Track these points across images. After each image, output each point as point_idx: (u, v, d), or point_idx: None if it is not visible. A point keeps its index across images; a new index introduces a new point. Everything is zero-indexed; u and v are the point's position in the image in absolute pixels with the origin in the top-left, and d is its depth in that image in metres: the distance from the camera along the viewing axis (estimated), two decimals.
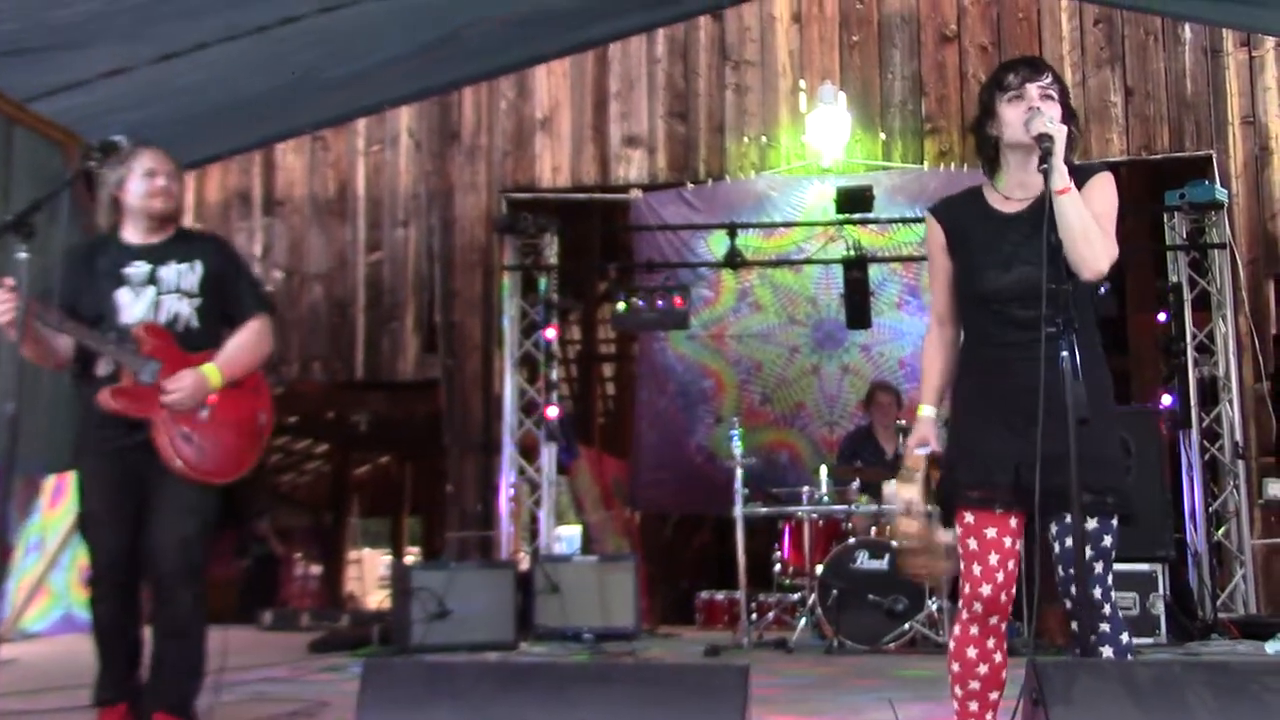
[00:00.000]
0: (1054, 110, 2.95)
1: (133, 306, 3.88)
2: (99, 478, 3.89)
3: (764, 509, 7.87)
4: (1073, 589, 2.79)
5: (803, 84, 9.41)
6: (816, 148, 9.25)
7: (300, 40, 7.59)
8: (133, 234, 3.97)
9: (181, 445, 3.79)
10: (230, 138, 9.45)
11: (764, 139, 9.44)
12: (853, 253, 8.95)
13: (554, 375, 9.55)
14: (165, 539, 3.76)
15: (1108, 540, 2.91)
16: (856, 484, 7.51)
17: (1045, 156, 2.84)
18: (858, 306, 8.82)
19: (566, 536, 12.18)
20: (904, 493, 3.15)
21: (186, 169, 9.52)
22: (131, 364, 3.79)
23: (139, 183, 3.92)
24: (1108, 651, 2.87)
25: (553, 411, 9.31)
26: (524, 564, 8.33)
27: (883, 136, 9.34)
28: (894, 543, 6.64)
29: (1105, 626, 2.88)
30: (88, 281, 3.91)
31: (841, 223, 9.00)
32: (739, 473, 7.55)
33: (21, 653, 6.87)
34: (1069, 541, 2.83)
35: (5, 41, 6.60)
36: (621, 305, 9.04)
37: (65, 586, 8.75)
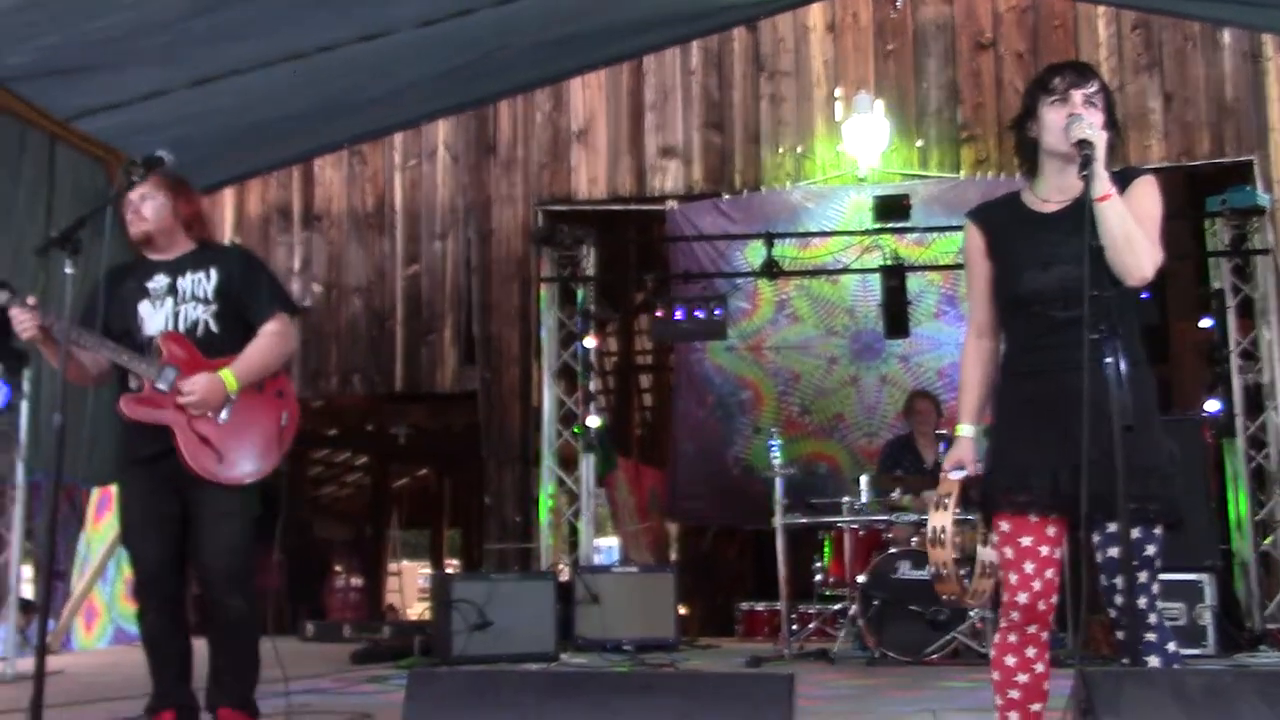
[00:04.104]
0: (1096, 117, 2.92)
1: (154, 317, 3.94)
2: (135, 488, 3.96)
3: (804, 519, 7.84)
4: (1117, 598, 2.75)
5: (838, 93, 9.39)
6: (852, 156, 9.23)
7: (338, 66, 7.68)
8: (155, 252, 4.04)
9: (199, 450, 3.81)
10: (269, 153, 9.55)
11: (799, 149, 9.42)
12: (890, 262, 8.92)
13: (592, 386, 9.56)
14: (207, 545, 3.82)
15: (1151, 549, 2.86)
16: (897, 493, 7.47)
17: (1085, 163, 2.80)
18: (896, 315, 8.79)
19: (606, 547, 12.17)
20: (934, 520, 3.10)
21: (225, 185, 9.78)
22: (148, 372, 3.84)
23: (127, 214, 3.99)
24: (1154, 661, 2.83)
25: (592, 421, 9.32)
26: (564, 575, 8.33)
27: (919, 144, 9.31)
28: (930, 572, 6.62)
29: (1151, 636, 2.84)
30: (117, 299, 3.98)
31: (878, 231, 8.97)
32: (779, 483, 7.53)
33: (69, 665, 6.94)
34: (1111, 550, 2.80)
35: (47, 61, 6.70)
36: (659, 316, 9.04)
37: (113, 599, 8.85)
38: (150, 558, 3.89)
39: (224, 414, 3.86)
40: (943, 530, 3.10)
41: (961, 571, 3.24)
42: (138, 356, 3.86)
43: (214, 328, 3.94)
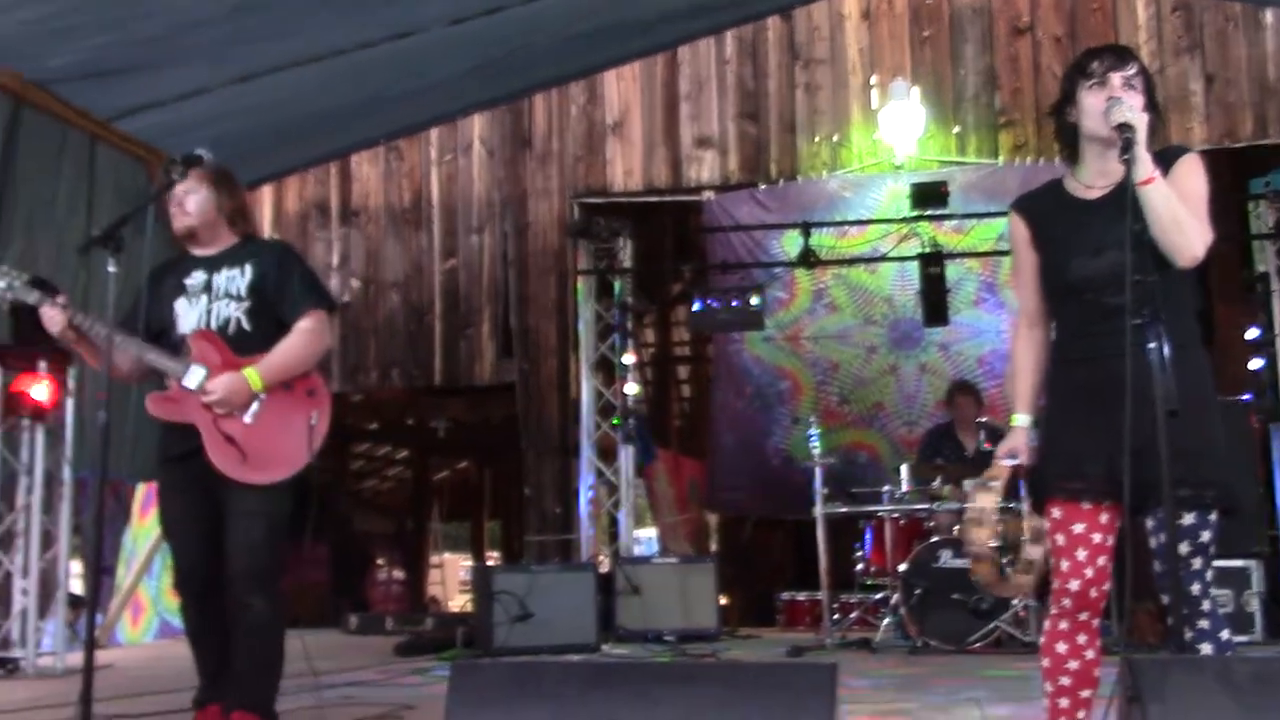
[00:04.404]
0: (1135, 100, 2.88)
1: (188, 315, 3.93)
2: (170, 485, 3.97)
3: (844, 509, 7.82)
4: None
5: (874, 80, 9.34)
6: (889, 144, 9.18)
7: (375, 62, 7.72)
8: (199, 246, 4.03)
9: (223, 449, 3.79)
10: (306, 150, 9.62)
11: (835, 138, 9.37)
12: (928, 250, 8.86)
13: (630, 378, 9.57)
14: (231, 544, 3.79)
15: (1206, 535, 2.82)
16: (938, 482, 7.43)
17: (1126, 147, 2.77)
18: (935, 303, 8.74)
19: (646, 538, 12.19)
20: (979, 500, 3.08)
21: (264, 182, 9.85)
22: (175, 370, 3.83)
23: (171, 209, 3.98)
24: (1207, 649, 2.79)
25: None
26: (604, 566, 8.35)
27: (956, 131, 9.24)
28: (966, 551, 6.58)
29: (1204, 624, 2.81)
30: (157, 296, 4.00)
31: (916, 219, 8.91)
32: (818, 473, 7.51)
33: (117, 658, 7.03)
34: (1164, 536, 2.77)
35: (87, 63, 6.78)
36: (696, 306, 9.04)
37: (158, 594, 8.96)
38: (187, 554, 3.90)
39: (250, 414, 3.82)
40: (985, 511, 3.07)
41: (1004, 560, 3.22)
42: (166, 355, 3.86)
43: (246, 325, 3.90)
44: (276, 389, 3.85)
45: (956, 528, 7.22)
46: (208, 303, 3.92)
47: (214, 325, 3.90)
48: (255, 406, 3.83)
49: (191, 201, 3.95)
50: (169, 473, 3.96)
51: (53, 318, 3.75)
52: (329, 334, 4.06)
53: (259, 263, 3.96)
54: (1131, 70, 2.93)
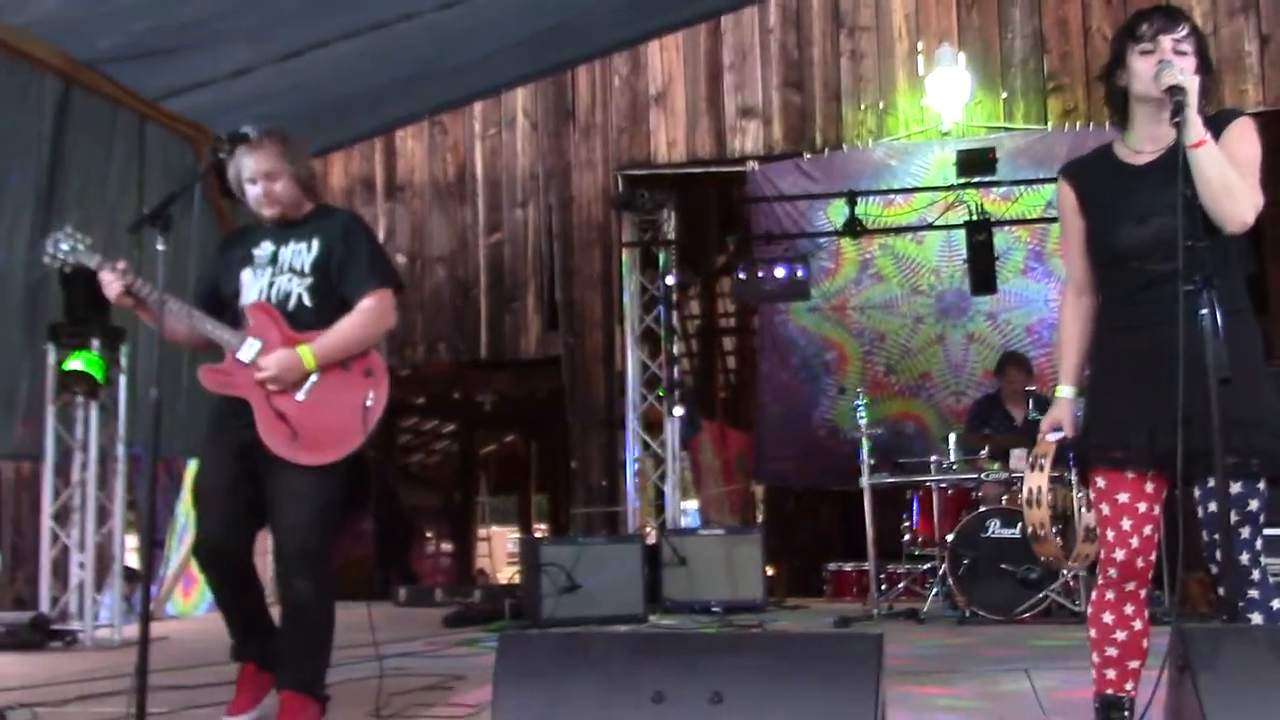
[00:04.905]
0: (1187, 63, 2.83)
1: (252, 286, 3.89)
2: (212, 458, 3.91)
3: (891, 479, 7.78)
4: (1218, 555, 2.70)
5: (920, 46, 9.24)
6: (936, 111, 9.08)
7: (418, 35, 7.73)
8: (280, 220, 3.96)
9: (274, 426, 3.73)
10: (351, 126, 9.66)
11: (881, 105, 9.29)
12: (976, 217, 8.76)
13: (675, 350, 9.56)
14: (279, 525, 3.76)
15: (1254, 504, 2.79)
16: (986, 452, 7.38)
17: (1177, 110, 2.72)
18: (982, 271, 8.64)
19: (692, 510, 12.20)
20: (1030, 481, 3.05)
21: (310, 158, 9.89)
22: (231, 343, 3.80)
23: (248, 188, 3.90)
24: (1257, 618, 2.77)
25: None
26: (651, 538, 8.38)
27: (1004, 96, 9.13)
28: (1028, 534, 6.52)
29: (1254, 593, 2.78)
30: (224, 263, 3.99)
31: (963, 186, 8.81)
32: (865, 443, 7.48)
33: (171, 631, 7.14)
34: (1212, 506, 2.74)
35: (136, 44, 6.84)
36: (741, 277, 9.01)
37: None
38: (211, 526, 3.84)
39: (303, 391, 3.77)
40: (1039, 491, 3.04)
41: (1065, 533, 3.20)
42: (224, 327, 3.82)
43: (306, 301, 3.84)
44: (333, 367, 3.80)
45: (1005, 497, 7.18)
46: (271, 275, 3.88)
47: (274, 299, 3.85)
48: (309, 384, 3.78)
49: (281, 188, 3.88)
50: (215, 443, 3.90)
51: (110, 283, 3.72)
52: (392, 313, 3.98)
53: (325, 238, 3.89)
54: (1182, 32, 2.88)
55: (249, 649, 3.98)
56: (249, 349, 3.78)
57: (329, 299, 3.87)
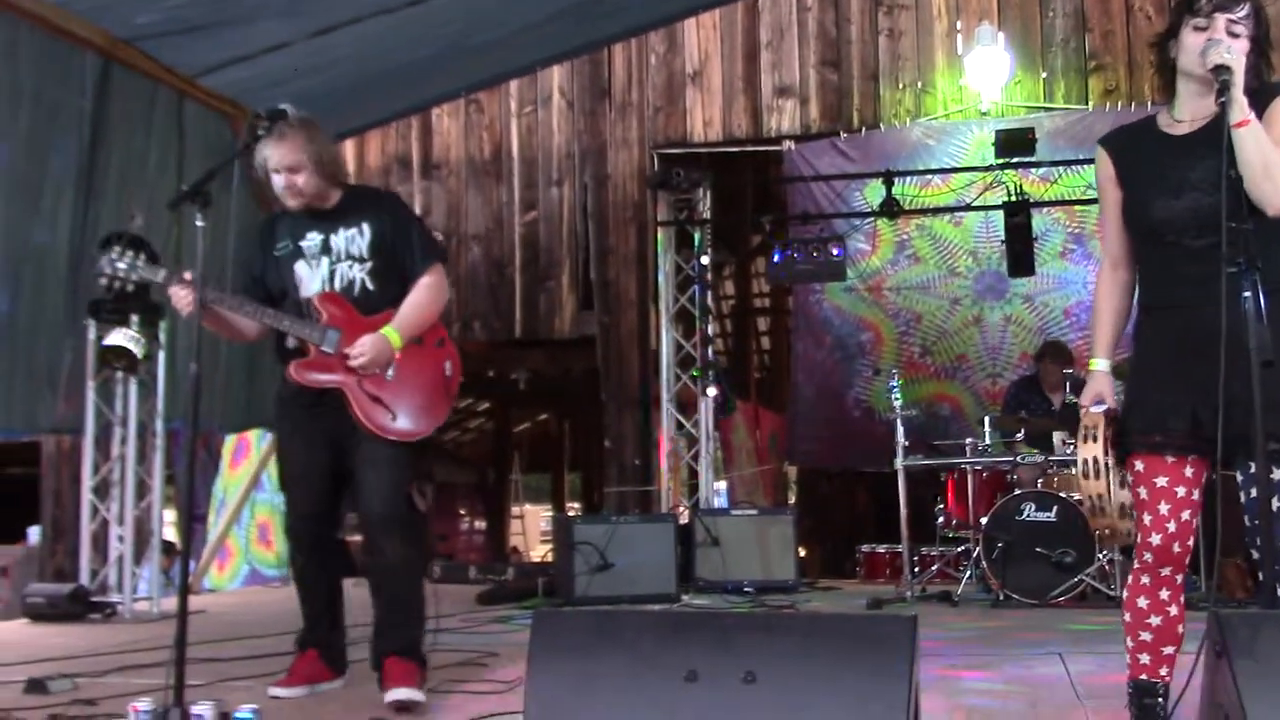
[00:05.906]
0: (1239, 44, 2.78)
1: (311, 279, 3.97)
2: (294, 441, 4.06)
3: (926, 461, 7.75)
4: (1259, 539, 2.67)
5: (959, 25, 9.15)
6: (975, 90, 9.00)
7: (453, 11, 7.72)
8: (308, 209, 4.02)
9: (371, 408, 3.86)
10: (388, 104, 9.68)
11: (920, 84, 9.22)
12: (1014, 199, 8.68)
13: (710, 330, 9.55)
14: (366, 492, 3.87)
15: None
16: (1021, 434, 7.34)
17: (1223, 89, 2.68)
18: (1020, 253, 8.57)
19: (722, 490, 12.21)
20: (1085, 452, 2.99)
21: (346, 137, 9.91)
22: (312, 336, 3.89)
23: (273, 177, 3.97)
24: None
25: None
26: (683, 517, 8.38)
27: (1044, 75, 9.03)
28: (1075, 496, 6.44)
29: None
30: (270, 258, 4.04)
31: (1001, 166, 8.72)
32: (899, 425, 7.45)
33: (208, 604, 7.22)
34: (1254, 491, 2.71)
35: (174, 20, 6.86)
36: (776, 257, 8.97)
37: (246, 543, 9.18)
38: (301, 506, 4.01)
39: (390, 370, 3.90)
40: (1094, 462, 2.98)
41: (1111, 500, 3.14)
42: (298, 321, 3.92)
43: (370, 285, 3.96)
44: (409, 344, 3.93)
45: (1040, 481, 7.14)
46: (329, 264, 3.96)
47: (338, 287, 3.95)
48: (393, 363, 3.91)
49: (304, 180, 3.94)
50: (295, 423, 4.03)
51: (182, 297, 3.77)
52: (447, 286, 4.13)
53: (375, 220, 3.99)
54: (1241, 11, 2.82)
55: (317, 633, 4.10)
56: (331, 339, 3.88)
57: (390, 280, 3.98)
